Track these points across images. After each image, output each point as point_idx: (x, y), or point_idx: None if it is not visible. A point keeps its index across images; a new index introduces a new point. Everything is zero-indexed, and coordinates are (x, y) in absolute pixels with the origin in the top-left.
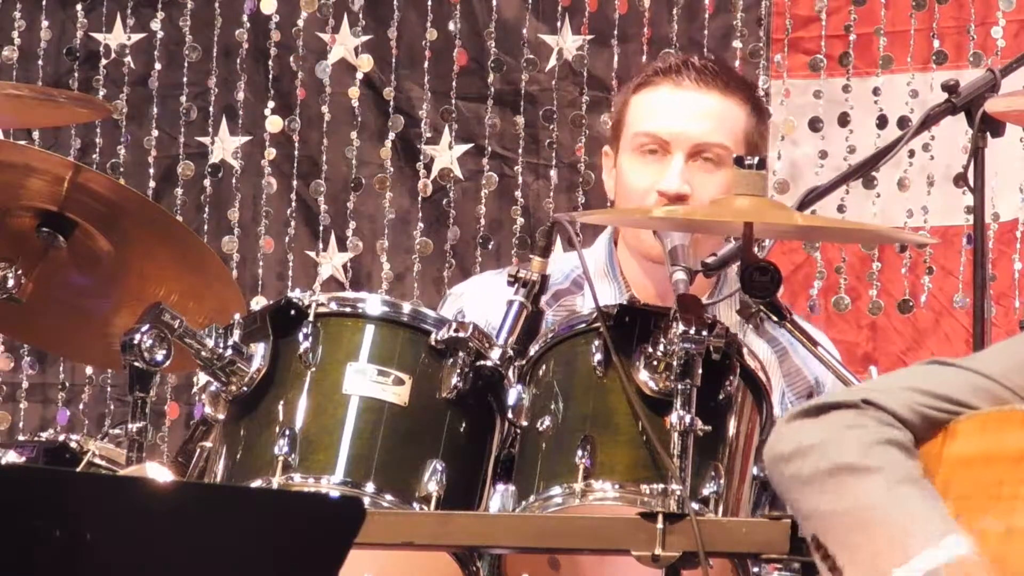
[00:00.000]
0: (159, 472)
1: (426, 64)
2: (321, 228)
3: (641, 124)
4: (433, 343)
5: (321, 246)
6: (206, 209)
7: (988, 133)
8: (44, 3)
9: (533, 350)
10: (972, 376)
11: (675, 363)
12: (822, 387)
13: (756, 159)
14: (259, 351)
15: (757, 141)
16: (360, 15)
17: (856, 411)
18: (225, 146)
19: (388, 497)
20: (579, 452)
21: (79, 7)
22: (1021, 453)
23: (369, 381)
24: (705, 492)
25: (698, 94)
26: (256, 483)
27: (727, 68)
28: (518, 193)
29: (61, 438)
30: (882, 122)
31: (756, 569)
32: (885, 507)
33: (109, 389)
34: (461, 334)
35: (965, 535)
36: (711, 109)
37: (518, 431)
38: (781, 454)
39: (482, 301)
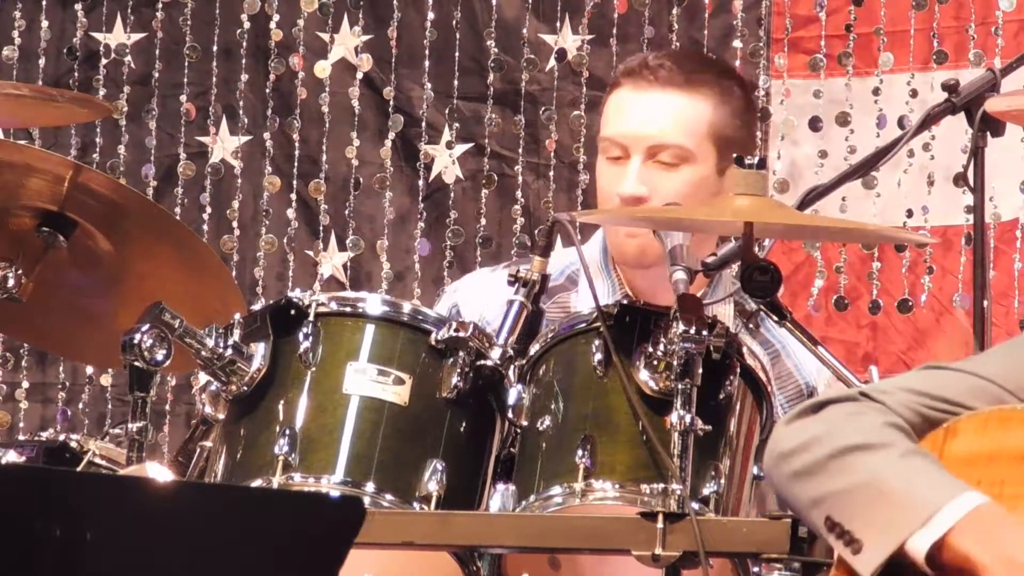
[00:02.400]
0: (159, 472)
1: (426, 64)
2: (321, 228)
3: (605, 128)
4: (433, 343)
5: (321, 246)
6: (206, 209)
7: (988, 133)
8: (44, 3)
9: (533, 350)
10: (970, 378)
11: (675, 363)
12: (814, 392)
13: (756, 159)
14: (259, 351)
15: (732, 131)
16: (360, 15)
17: (855, 403)
18: (225, 146)
19: (388, 497)
20: (579, 452)
21: (79, 7)
22: (1023, 452)
23: (369, 381)
24: (705, 492)
25: (656, 94)
26: (256, 483)
27: (697, 60)
28: (518, 193)
29: (61, 438)
30: (881, 122)
31: (756, 569)
32: (899, 475)
33: (109, 389)
34: (461, 334)
35: (979, 492)
36: (668, 108)
37: (518, 431)
38: (783, 452)
39: (477, 297)
